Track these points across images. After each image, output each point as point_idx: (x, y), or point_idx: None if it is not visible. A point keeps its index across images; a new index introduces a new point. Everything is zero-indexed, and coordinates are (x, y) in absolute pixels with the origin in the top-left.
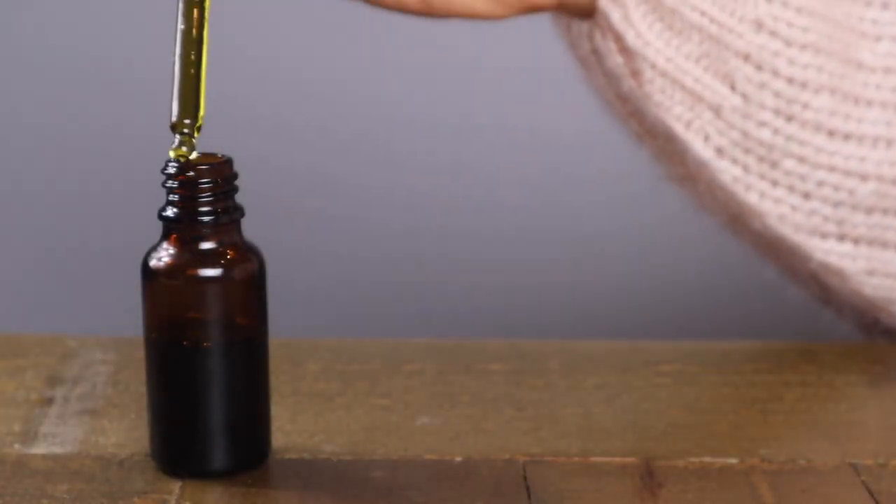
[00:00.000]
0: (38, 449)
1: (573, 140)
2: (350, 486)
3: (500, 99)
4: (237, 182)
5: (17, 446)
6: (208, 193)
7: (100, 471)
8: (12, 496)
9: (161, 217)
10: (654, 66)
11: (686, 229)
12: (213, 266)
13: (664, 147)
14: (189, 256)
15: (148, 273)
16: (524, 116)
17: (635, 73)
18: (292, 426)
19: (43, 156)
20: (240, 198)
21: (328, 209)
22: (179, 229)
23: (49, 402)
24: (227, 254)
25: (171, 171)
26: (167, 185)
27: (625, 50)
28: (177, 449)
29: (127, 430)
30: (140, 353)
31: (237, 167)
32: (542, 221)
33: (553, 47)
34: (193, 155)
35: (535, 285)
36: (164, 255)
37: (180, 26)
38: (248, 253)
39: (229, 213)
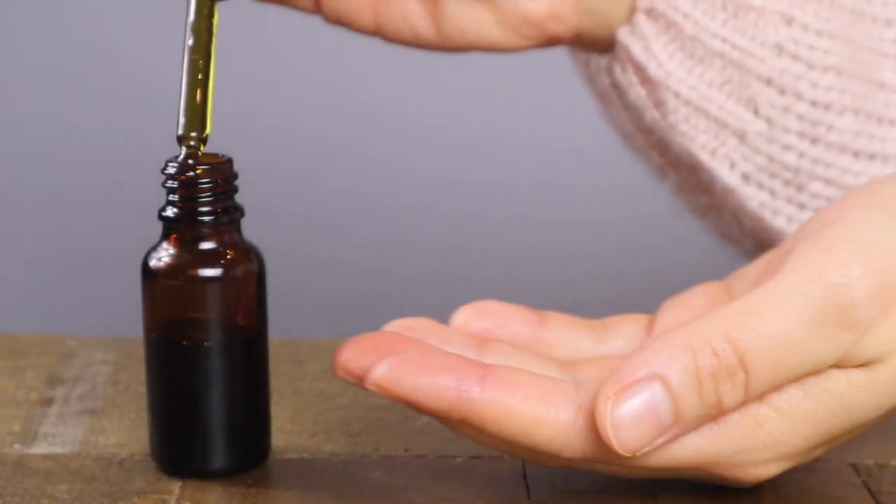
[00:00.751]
0: (38, 449)
1: (574, 148)
2: (350, 486)
3: (501, 105)
4: (237, 182)
5: (17, 446)
6: (208, 193)
7: (100, 471)
8: (12, 496)
9: (161, 217)
10: (677, 96)
11: (686, 229)
12: (213, 266)
13: (687, 178)
14: (189, 256)
15: (148, 273)
16: (527, 124)
17: (658, 104)
18: (292, 426)
19: (43, 156)
20: (240, 198)
21: (328, 209)
22: (179, 229)
23: (49, 402)
24: (227, 254)
25: (171, 171)
26: (167, 185)
27: (647, 81)
28: (177, 449)
29: (127, 430)
30: (140, 353)
31: (237, 167)
32: (542, 222)
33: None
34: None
35: (536, 285)
36: (164, 255)
37: (188, 40)
38: (248, 253)
39: (229, 213)
